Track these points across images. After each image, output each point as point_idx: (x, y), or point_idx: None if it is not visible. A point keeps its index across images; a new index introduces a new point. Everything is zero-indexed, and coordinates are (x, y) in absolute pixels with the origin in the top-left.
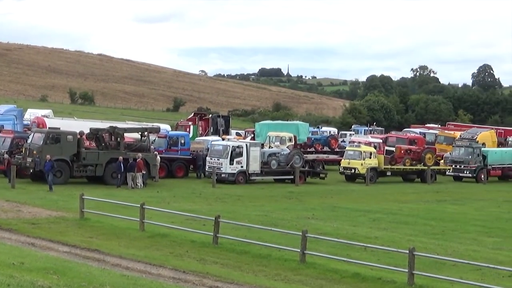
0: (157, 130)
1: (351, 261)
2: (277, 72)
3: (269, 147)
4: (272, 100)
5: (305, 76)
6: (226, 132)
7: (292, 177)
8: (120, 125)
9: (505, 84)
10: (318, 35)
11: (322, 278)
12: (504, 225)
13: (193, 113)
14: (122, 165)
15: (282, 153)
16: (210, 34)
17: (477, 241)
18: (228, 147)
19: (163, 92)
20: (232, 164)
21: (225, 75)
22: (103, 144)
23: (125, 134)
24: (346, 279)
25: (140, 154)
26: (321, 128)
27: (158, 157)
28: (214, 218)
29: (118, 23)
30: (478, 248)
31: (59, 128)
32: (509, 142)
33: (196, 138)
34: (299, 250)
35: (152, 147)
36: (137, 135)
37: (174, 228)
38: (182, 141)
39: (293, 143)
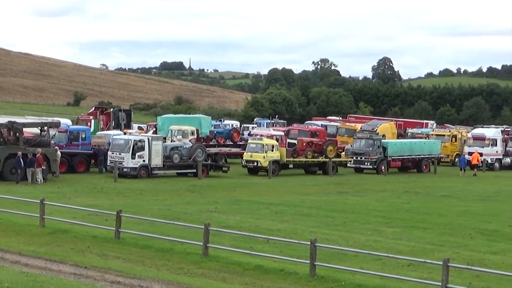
0: (57, 125)
1: (254, 254)
2: (179, 66)
3: (171, 141)
4: (174, 94)
5: (207, 70)
6: (128, 126)
7: (194, 170)
8: (19, 120)
9: (404, 76)
10: (220, 29)
11: (225, 271)
12: (403, 216)
13: (94, 107)
14: (21, 160)
15: (184, 146)
16: (112, 27)
17: (378, 231)
18: (130, 141)
19: (63, 86)
20: (134, 158)
21: (127, 68)
22: (1, 140)
23: (24, 129)
24: (249, 271)
25: (39, 149)
26: (224, 121)
27: (59, 152)
28: (116, 213)
29: (16, 16)
30: (378, 239)
31: None
32: (409, 133)
33: (97, 133)
34: (201, 244)
35: (52, 142)
36: (36, 130)
37: (76, 223)
38: (83, 136)
39: (195, 136)
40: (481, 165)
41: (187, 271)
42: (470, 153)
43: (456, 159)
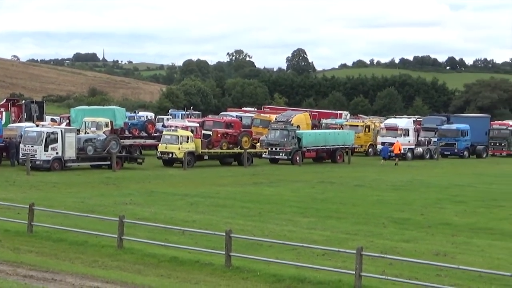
0: None
1: (169, 245)
2: (92, 57)
3: (85, 133)
4: (88, 85)
5: (121, 61)
6: (41, 118)
7: (109, 162)
8: None
9: (318, 68)
10: (135, 20)
11: (140, 263)
12: (318, 206)
13: (5, 99)
14: None
15: (98, 138)
16: (24, 18)
17: (293, 221)
18: (43, 133)
19: None
20: (47, 150)
21: (39, 60)
22: None
23: None
24: (164, 263)
25: None
26: (138, 113)
27: None
28: (28, 206)
29: None
30: (293, 229)
31: None
32: (323, 124)
33: (9, 125)
34: (116, 236)
35: None
36: None
37: None
38: None
39: (109, 128)
40: (401, 154)
41: (102, 264)
42: (389, 143)
43: (370, 149)
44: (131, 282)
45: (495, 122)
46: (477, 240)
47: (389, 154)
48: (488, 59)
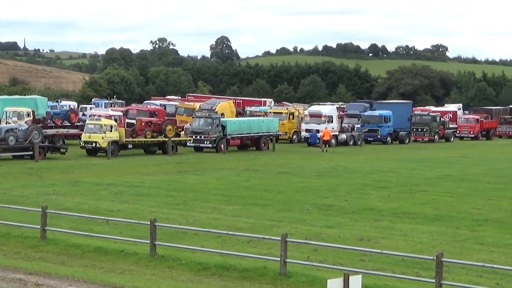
0: None
1: (94, 235)
2: (13, 46)
3: (6, 123)
4: (9, 75)
5: (43, 50)
6: None
7: (31, 153)
8: None
9: (242, 55)
10: (57, 8)
11: (64, 254)
12: (243, 193)
13: None
14: None
15: (20, 128)
16: None
17: (218, 209)
18: None
19: None
20: None
21: None
22: None
23: None
24: (89, 253)
25: None
26: (61, 102)
27: None
28: None
29: None
30: (218, 216)
31: None
32: (247, 112)
33: None
34: (39, 227)
35: None
36: None
37: None
38: None
39: (31, 118)
40: (330, 140)
41: (25, 256)
42: (316, 130)
43: (294, 136)
44: (54, 273)
45: (417, 108)
46: (400, 224)
47: (317, 140)
48: (410, 46)
